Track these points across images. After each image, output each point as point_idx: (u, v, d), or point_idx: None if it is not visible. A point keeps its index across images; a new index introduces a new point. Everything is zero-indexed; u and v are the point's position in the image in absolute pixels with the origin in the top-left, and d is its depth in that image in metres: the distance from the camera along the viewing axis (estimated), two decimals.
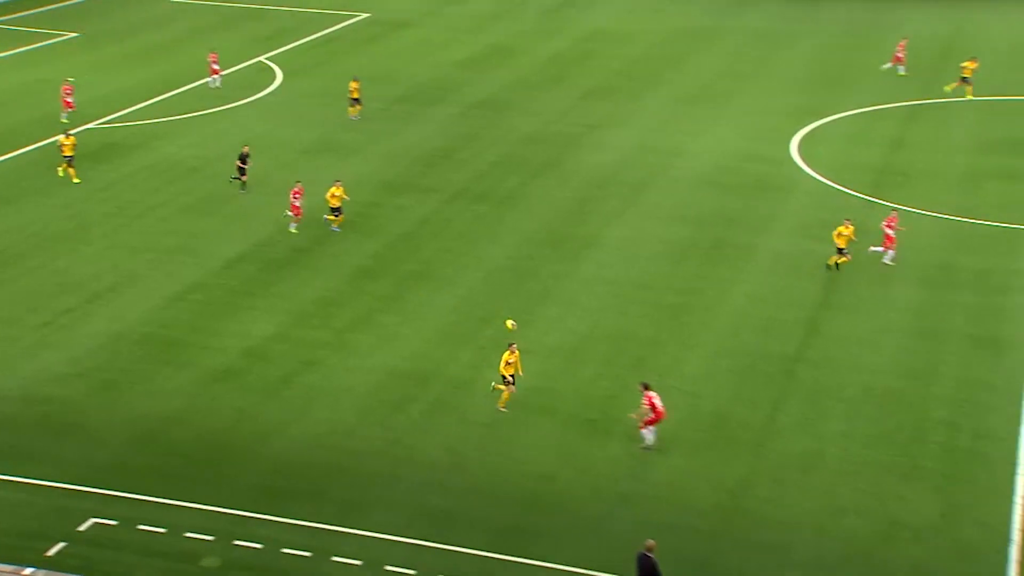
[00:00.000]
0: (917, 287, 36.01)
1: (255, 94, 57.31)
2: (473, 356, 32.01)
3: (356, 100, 53.20)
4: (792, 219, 41.72)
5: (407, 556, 23.98)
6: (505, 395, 29.32)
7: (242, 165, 44.07)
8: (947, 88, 55.33)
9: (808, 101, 55.95)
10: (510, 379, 29.18)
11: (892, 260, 37.12)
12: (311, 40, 68.85)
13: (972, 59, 55.77)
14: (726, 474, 26.89)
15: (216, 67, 58.20)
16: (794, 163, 47.57)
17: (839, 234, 36.59)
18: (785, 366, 31.53)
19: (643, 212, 42.91)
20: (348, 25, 72.77)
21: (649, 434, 27.67)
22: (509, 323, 30.82)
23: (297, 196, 40.55)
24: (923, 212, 41.81)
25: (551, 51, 66.40)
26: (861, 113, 54.01)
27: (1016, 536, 24.40)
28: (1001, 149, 47.95)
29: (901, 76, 55.10)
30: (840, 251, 36.61)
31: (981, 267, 37.09)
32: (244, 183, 44.12)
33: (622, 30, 71.81)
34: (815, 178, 45.59)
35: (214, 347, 32.45)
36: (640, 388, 27.79)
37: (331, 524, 24.90)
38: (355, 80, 53.59)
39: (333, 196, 40.48)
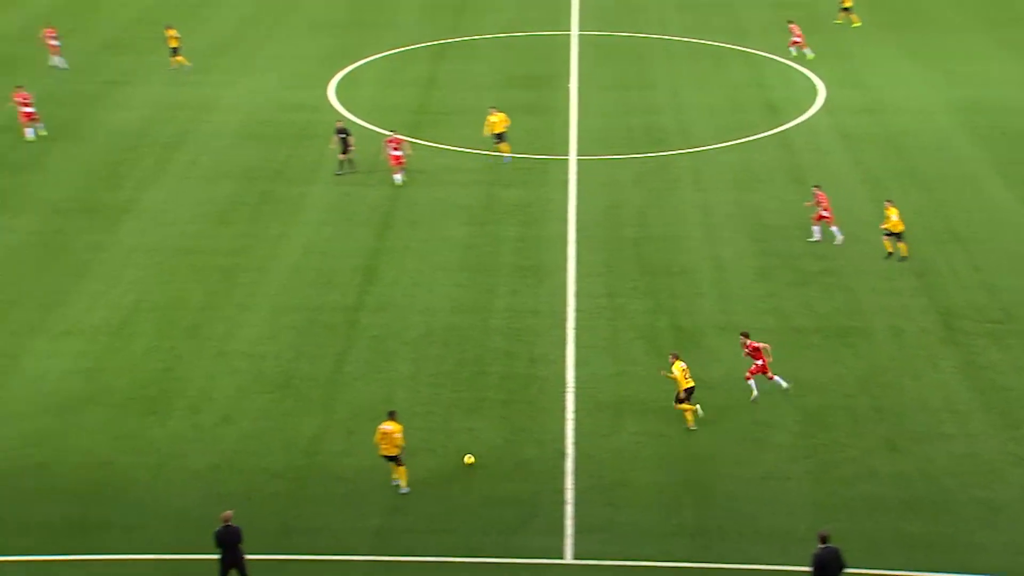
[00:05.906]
0: (464, 224, 36.94)
1: None
2: (3, 343, 29.26)
3: None
4: (337, 166, 41.41)
5: None
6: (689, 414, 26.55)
7: None
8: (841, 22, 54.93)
9: (339, 44, 55.58)
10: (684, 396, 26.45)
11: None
12: None
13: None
14: (298, 433, 26.32)
15: None
16: (333, 109, 47.21)
17: None
18: (347, 316, 31.24)
19: (180, 172, 40.82)
20: None
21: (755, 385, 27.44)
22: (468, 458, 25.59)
23: None
24: (462, 149, 43.02)
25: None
26: (392, 54, 54.62)
27: (570, 449, 25.81)
28: (522, 84, 50.36)
29: (810, 59, 52.53)
30: None
31: (518, 200, 38.75)
32: None
33: None
34: (356, 122, 45.52)
35: None
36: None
37: None
38: None
39: None
